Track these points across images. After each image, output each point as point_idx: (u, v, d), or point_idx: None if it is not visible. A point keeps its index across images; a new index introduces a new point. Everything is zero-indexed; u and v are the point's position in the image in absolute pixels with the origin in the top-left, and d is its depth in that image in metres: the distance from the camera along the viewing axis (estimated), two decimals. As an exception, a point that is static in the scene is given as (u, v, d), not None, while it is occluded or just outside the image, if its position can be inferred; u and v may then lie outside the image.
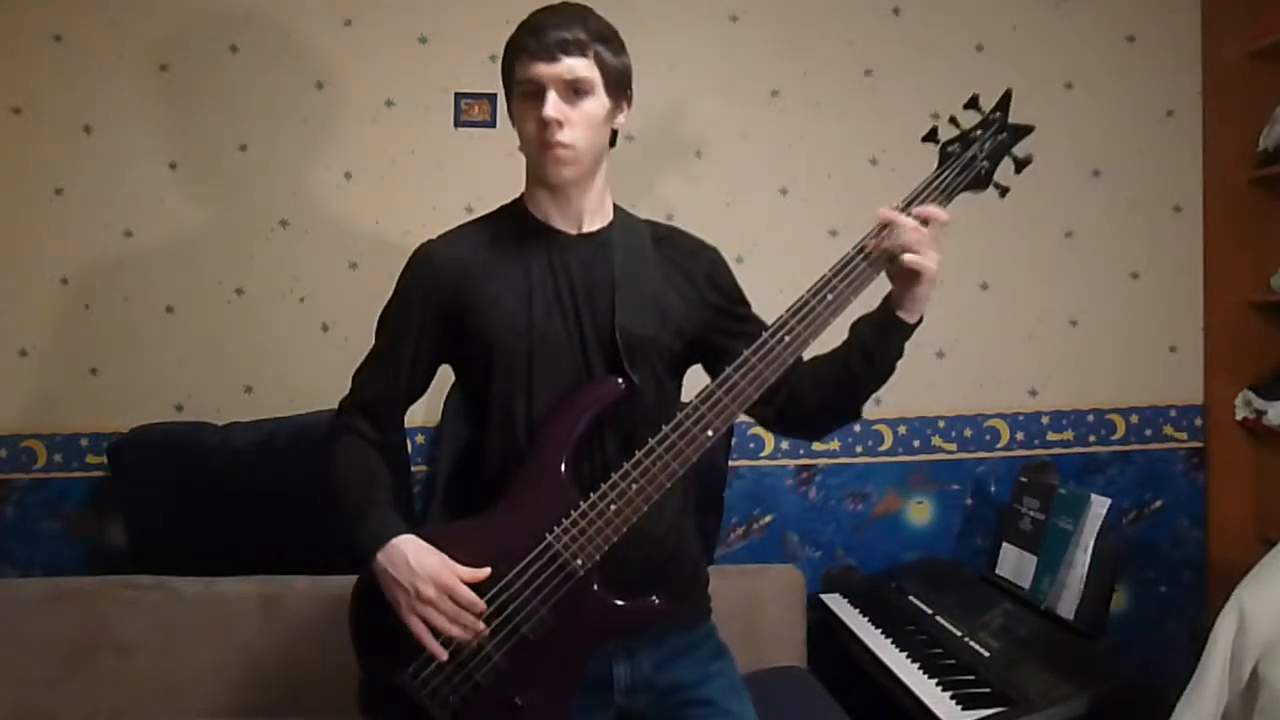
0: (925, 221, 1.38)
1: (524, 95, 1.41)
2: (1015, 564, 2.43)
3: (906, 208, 1.39)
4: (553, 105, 1.38)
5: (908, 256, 1.36)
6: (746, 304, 1.59)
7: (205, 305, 2.60)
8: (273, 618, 2.26)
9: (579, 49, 1.40)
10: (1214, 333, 2.78)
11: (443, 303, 1.46)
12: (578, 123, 1.40)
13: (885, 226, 1.38)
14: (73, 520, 2.58)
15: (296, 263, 2.61)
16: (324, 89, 2.61)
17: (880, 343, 1.44)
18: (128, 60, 2.57)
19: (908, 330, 1.43)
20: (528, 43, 1.39)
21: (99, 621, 2.25)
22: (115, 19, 2.56)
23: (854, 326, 1.46)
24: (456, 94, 2.58)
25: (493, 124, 2.54)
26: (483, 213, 1.56)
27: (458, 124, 2.59)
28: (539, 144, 1.41)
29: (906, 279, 1.39)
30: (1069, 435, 2.77)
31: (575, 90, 1.40)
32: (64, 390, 2.58)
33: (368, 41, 2.61)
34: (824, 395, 1.49)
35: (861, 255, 1.38)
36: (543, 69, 1.39)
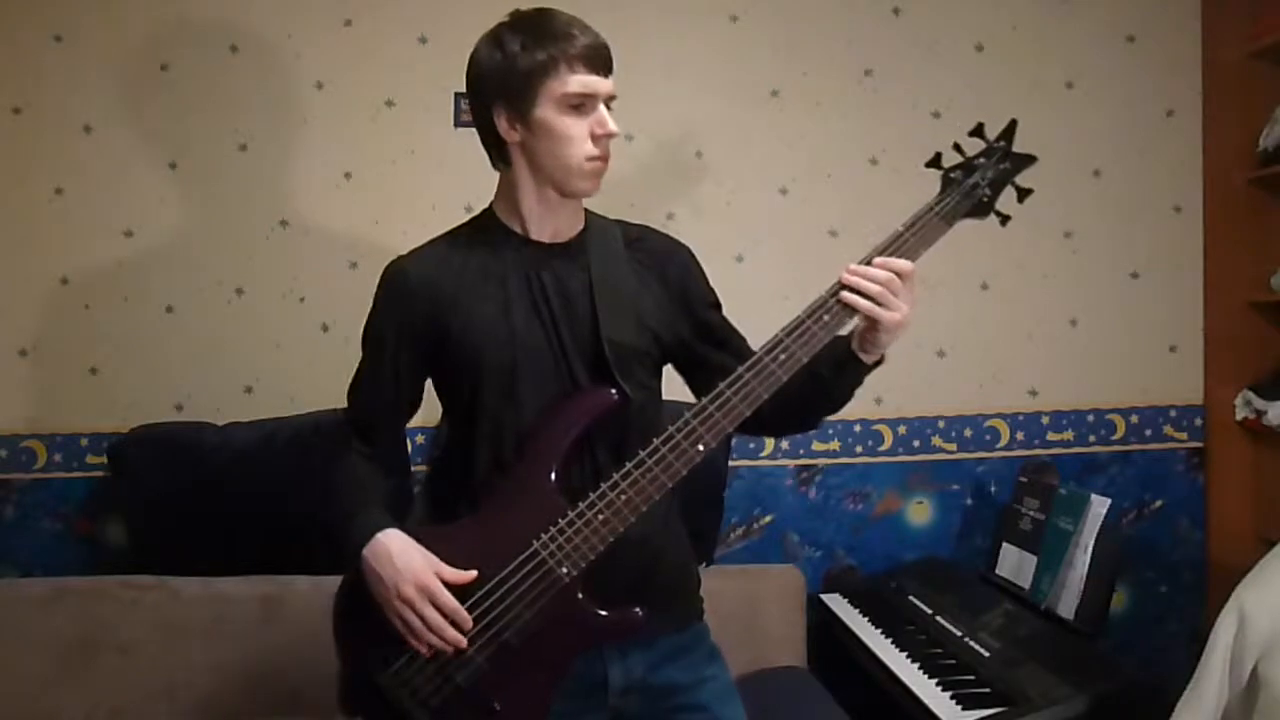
0: (898, 274, 1.36)
1: (568, 106, 1.40)
2: (1015, 564, 2.43)
3: (899, 238, 1.38)
4: (611, 120, 1.41)
5: (866, 306, 1.35)
6: (718, 306, 1.60)
7: (205, 305, 2.60)
8: (273, 618, 2.27)
9: (612, 64, 1.43)
10: (1214, 333, 2.78)
11: (418, 321, 1.46)
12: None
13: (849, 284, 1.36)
14: (73, 520, 2.58)
15: (296, 263, 2.61)
16: (324, 89, 2.61)
17: (836, 375, 1.44)
18: (128, 60, 2.57)
19: (865, 369, 1.44)
20: (575, 52, 1.39)
21: (99, 621, 2.25)
22: (115, 19, 2.56)
23: (818, 351, 1.45)
24: (456, 94, 2.58)
25: (493, 124, 2.54)
26: (456, 223, 1.55)
27: (458, 124, 2.59)
28: (589, 157, 1.41)
29: (870, 324, 1.39)
30: (1069, 435, 2.77)
31: (611, 104, 1.43)
32: (64, 390, 2.58)
33: (368, 41, 2.61)
34: (780, 406, 1.47)
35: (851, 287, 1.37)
36: (600, 83, 1.40)
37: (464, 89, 1.45)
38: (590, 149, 1.41)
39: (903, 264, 1.37)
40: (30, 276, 2.57)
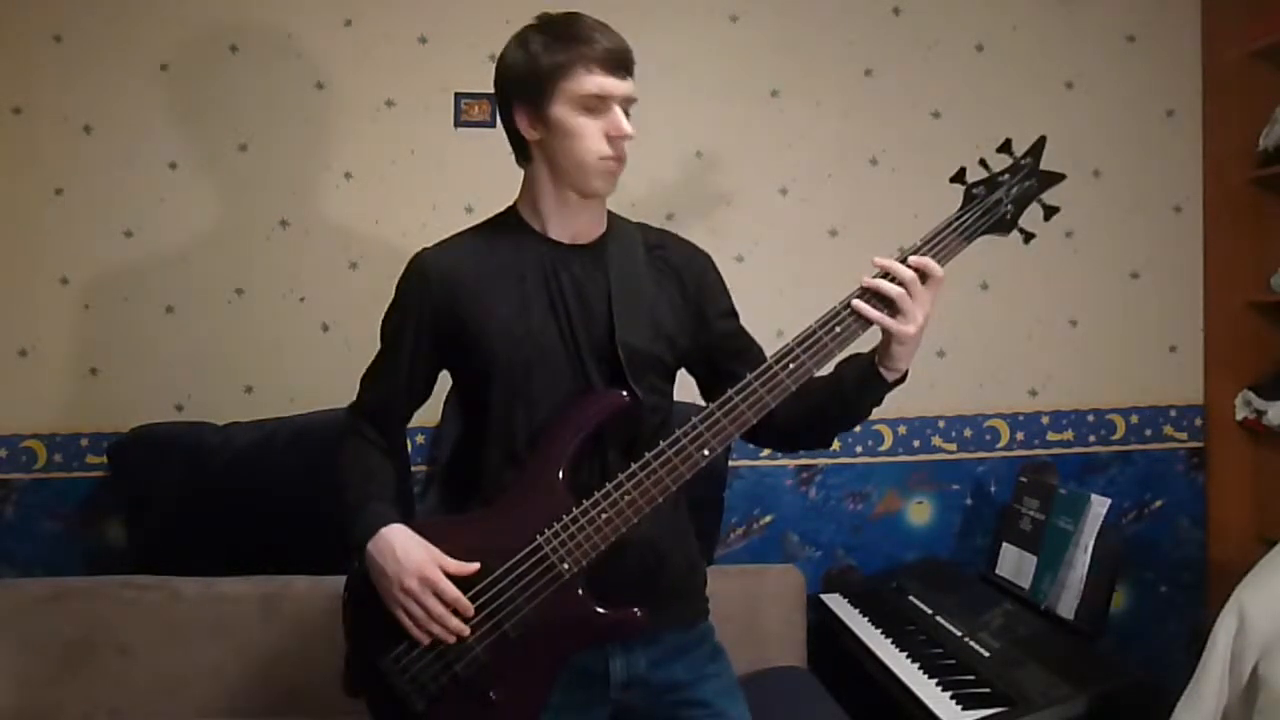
0: (924, 275, 1.37)
1: (584, 108, 1.42)
2: (1015, 564, 2.43)
3: (918, 250, 1.38)
4: (626, 121, 1.43)
5: (877, 316, 1.35)
6: (735, 315, 1.61)
7: (205, 305, 2.60)
8: (273, 618, 2.26)
9: (632, 67, 1.45)
10: (1214, 333, 2.77)
11: (437, 312, 1.48)
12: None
13: (884, 274, 1.37)
14: (73, 520, 2.58)
15: (296, 263, 2.61)
16: (324, 89, 2.61)
17: (857, 393, 1.46)
18: (128, 60, 2.57)
19: (886, 388, 1.45)
20: (594, 55, 1.40)
21: (99, 621, 2.25)
22: (115, 19, 2.56)
23: (838, 366, 1.47)
24: (456, 94, 2.58)
25: (492, 124, 2.52)
26: (481, 217, 1.57)
27: (458, 124, 2.59)
28: (604, 157, 1.43)
29: (887, 335, 1.39)
30: (1069, 435, 2.77)
31: (629, 106, 1.45)
32: (64, 390, 2.58)
33: (368, 41, 2.61)
34: (796, 421, 1.50)
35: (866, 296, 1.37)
36: (616, 85, 1.42)
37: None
38: (604, 149, 1.42)
39: (932, 265, 1.37)
40: (30, 276, 2.57)
